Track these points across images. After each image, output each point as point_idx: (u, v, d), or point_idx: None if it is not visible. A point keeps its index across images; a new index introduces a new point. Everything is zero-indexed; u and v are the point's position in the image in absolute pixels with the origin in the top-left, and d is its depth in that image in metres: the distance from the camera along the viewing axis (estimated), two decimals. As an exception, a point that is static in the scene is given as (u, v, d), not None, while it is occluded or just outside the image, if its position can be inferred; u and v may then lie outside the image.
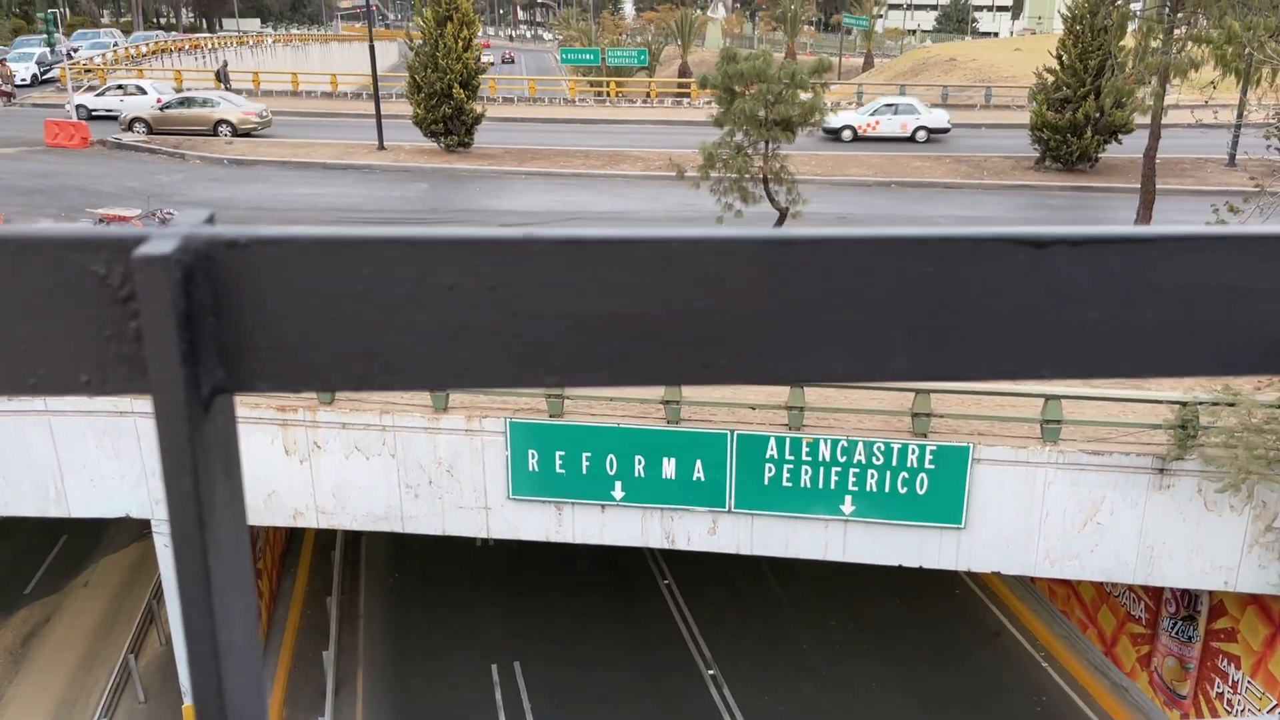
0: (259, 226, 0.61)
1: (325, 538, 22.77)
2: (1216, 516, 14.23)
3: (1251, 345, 0.63)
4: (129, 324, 0.59)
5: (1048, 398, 14.28)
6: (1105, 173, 30.29)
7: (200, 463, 0.58)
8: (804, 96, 20.68)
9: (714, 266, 0.60)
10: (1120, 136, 29.26)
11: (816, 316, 0.62)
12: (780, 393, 15.06)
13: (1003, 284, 0.62)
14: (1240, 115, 27.82)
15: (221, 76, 46.68)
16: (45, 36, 48.20)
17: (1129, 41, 21.19)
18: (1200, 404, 13.88)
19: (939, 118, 37.88)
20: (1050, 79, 30.18)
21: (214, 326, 0.59)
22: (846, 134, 37.38)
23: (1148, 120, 19.25)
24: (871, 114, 38.14)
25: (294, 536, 22.72)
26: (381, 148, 34.09)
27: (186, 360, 0.58)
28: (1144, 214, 19.76)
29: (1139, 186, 20.23)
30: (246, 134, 36.20)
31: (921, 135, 37.24)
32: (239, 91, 46.06)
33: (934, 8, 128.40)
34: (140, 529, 19.73)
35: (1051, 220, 25.66)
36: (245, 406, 14.87)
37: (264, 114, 37.52)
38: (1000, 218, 25.87)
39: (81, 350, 0.60)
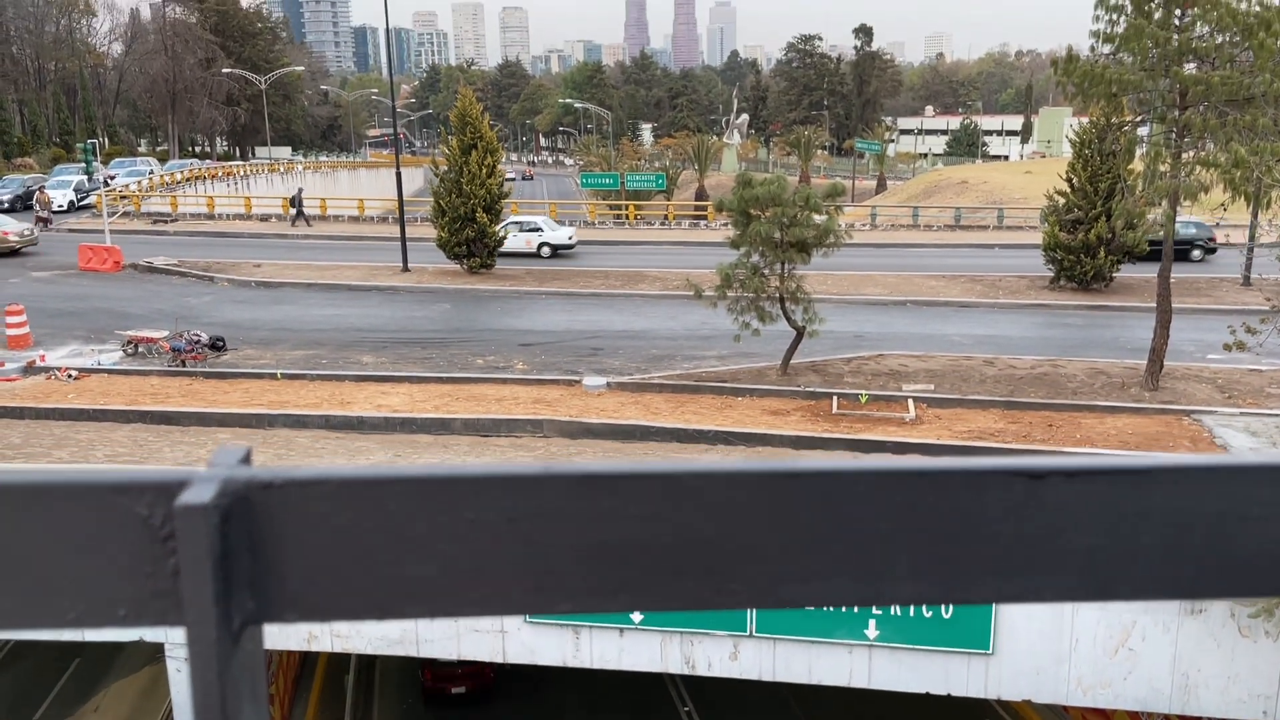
0: (293, 468, 0.64)
1: (339, 660, 22.37)
2: (1251, 643, 13.83)
3: (1249, 568, 0.64)
4: (167, 561, 0.62)
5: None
6: (1120, 291, 30.50)
7: (228, 690, 0.61)
8: (818, 219, 21.11)
9: (723, 497, 0.63)
10: (1133, 257, 29.57)
11: (823, 544, 0.64)
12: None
13: (1001, 513, 0.63)
14: (1252, 236, 28.12)
15: (296, 203, 48.27)
16: (84, 165, 49.95)
17: (1137, 165, 21.63)
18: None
19: None
20: (1061, 201, 30.69)
21: (248, 563, 0.62)
22: None
23: (1161, 239, 19.49)
24: None
25: (307, 658, 22.34)
26: (406, 269, 34.82)
27: (220, 597, 0.60)
28: (1161, 333, 19.80)
29: (1155, 305, 20.33)
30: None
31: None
32: (308, 218, 47.67)
33: (944, 132, 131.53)
34: (153, 653, 19.45)
35: (1069, 338, 25.74)
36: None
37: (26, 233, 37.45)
38: (1017, 336, 25.96)
39: (121, 586, 0.63)
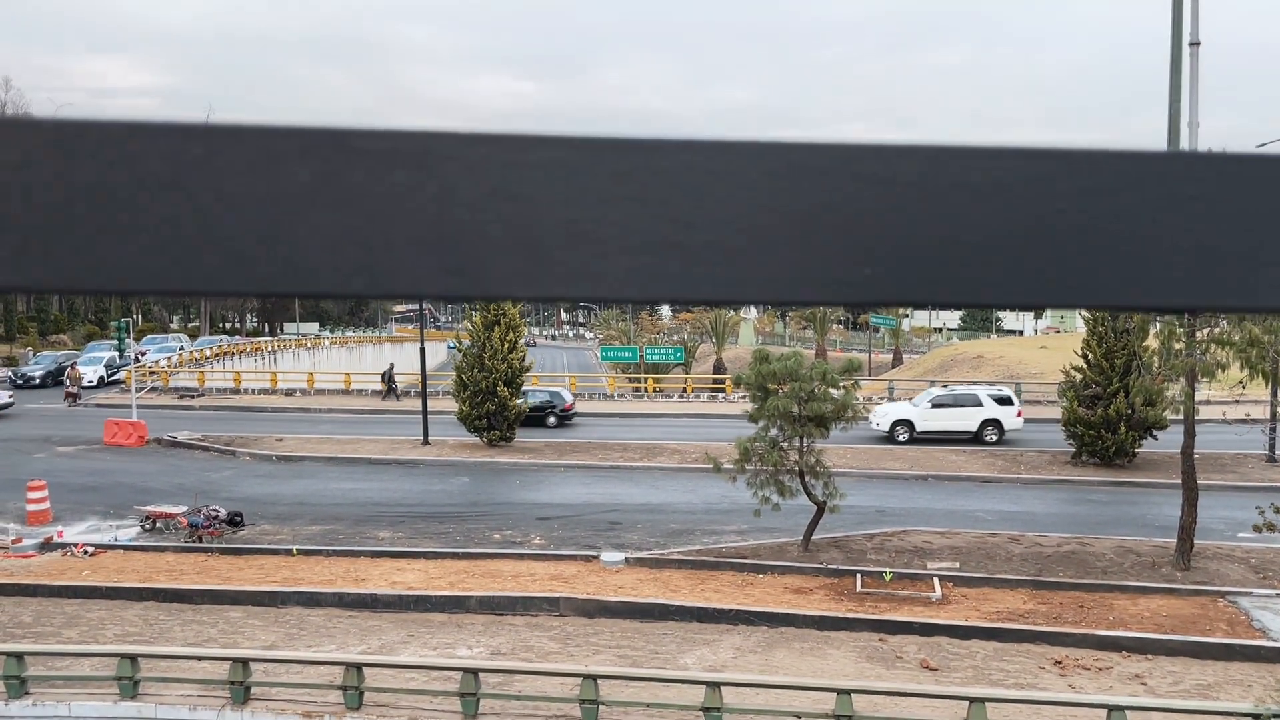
0: None
1: None
2: None
3: None
4: None
5: (1110, 708, 13.50)
6: (1144, 468, 30.16)
7: None
8: (836, 394, 21.25)
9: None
10: (1155, 432, 29.39)
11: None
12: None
13: None
14: (1273, 414, 27.99)
15: (387, 379, 49.54)
16: (116, 341, 51.22)
17: (1152, 342, 21.79)
18: (1273, 717, 13.01)
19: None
20: (1079, 376, 30.81)
21: None
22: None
23: (1181, 417, 19.42)
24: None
25: None
26: (426, 443, 34.99)
27: None
28: (1189, 511, 19.47)
29: (1180, 483, 20.08)
30: None
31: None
32: (398, 393, 48.59)
33: (957, 307, 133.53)
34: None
35: (1095, 515, 25.31)
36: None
37: None
38: (1041, 512, 25.57)
39: None
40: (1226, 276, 0.62)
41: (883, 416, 35.80)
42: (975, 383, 44.03)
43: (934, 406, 35.85)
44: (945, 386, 41.68)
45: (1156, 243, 0.62)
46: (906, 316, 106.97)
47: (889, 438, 35.36)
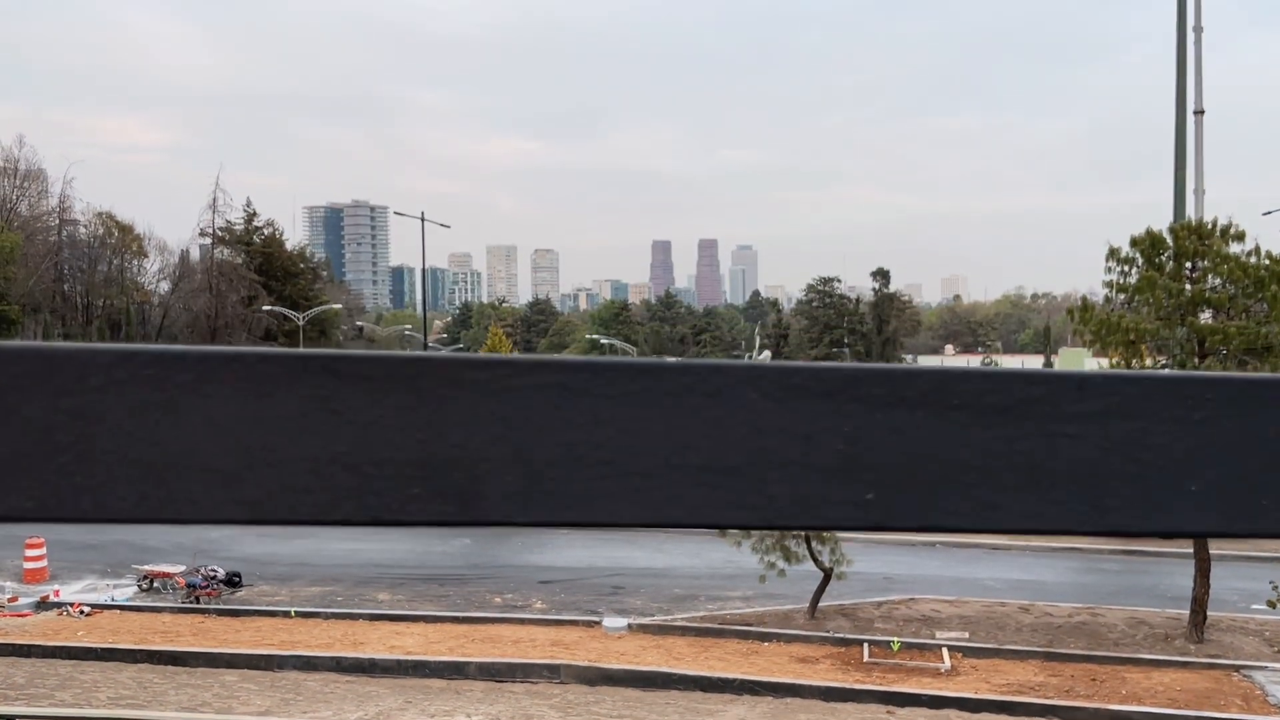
0: None
1: None
2: None
3: None
4: None
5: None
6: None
7: None
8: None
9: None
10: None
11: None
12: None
13: None
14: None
15: None
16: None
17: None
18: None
19: None
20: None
21: None
22: None
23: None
24: None
25: None
26: (427, 503, 34.80)
27: None
28: (1201, 582, 19.21)
29: (1192, 552, 19.83)
30: None
31: None
32: None
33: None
34: None
35: (1106, 585, 24.98)
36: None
37: None
38: (1051, 581, 25.23)
39: None
40: (1237, 502, 0.60)
41: None
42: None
43: None
44: None
45: (1168, 468, 0.60)
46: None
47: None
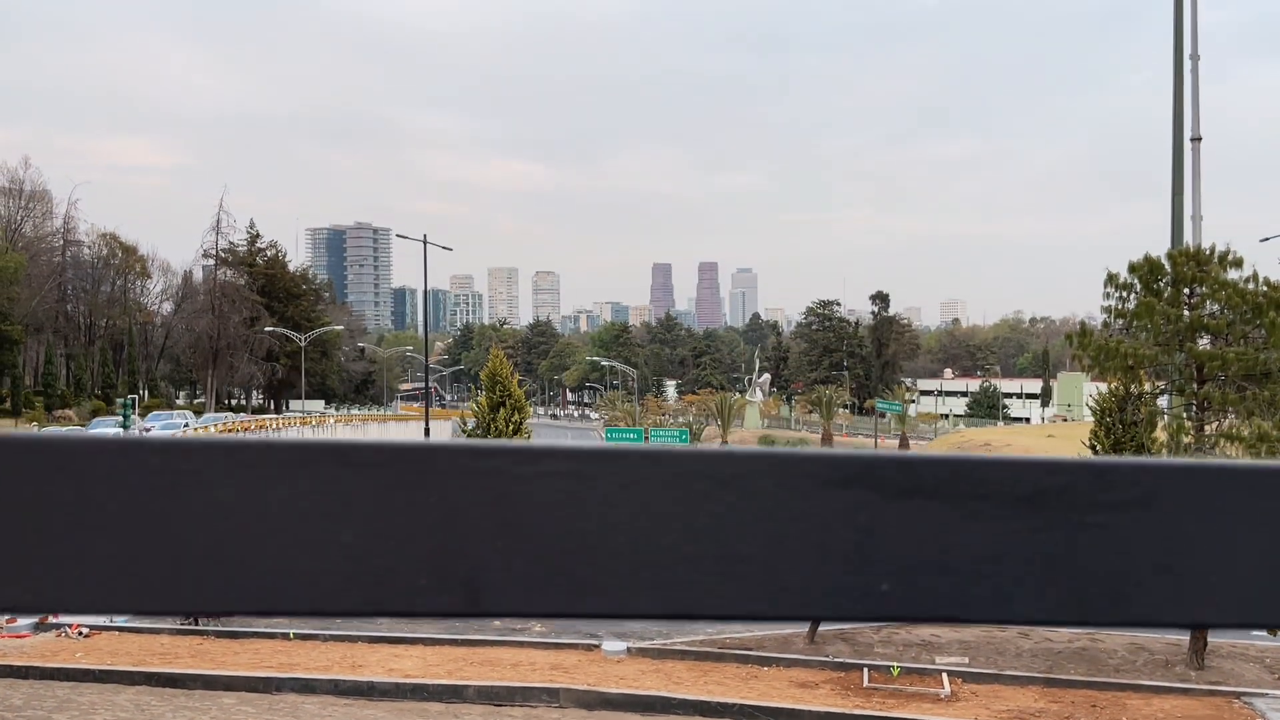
0: None
1: None
2: None
3: None
4: None
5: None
6: (1155, 559, 29.78)
7: None
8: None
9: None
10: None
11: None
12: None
13: None
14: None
15: None
16: (121, 417, 51.38)
17: (1160, 435, 21.74)
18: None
19: None
20: (1087, 466, 30.57)
21: None
22: None
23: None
24: None
25: None
26: (427, 525, 34.77)
27: None
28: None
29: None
30: None
31: None
32: None
33: (964, 394, 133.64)
34: None
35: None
36: None
37: None
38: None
39: None
40: (1267, 593, 0.60)
41: None
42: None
43: None
44: None
45: (1194, 559, 0.60)
46: (913, 402, 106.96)
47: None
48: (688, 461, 0.58)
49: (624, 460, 0.58)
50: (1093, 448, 30.82)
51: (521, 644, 21.15)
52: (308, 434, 68.40)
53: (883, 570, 0.59)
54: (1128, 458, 0.61)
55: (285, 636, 21.47)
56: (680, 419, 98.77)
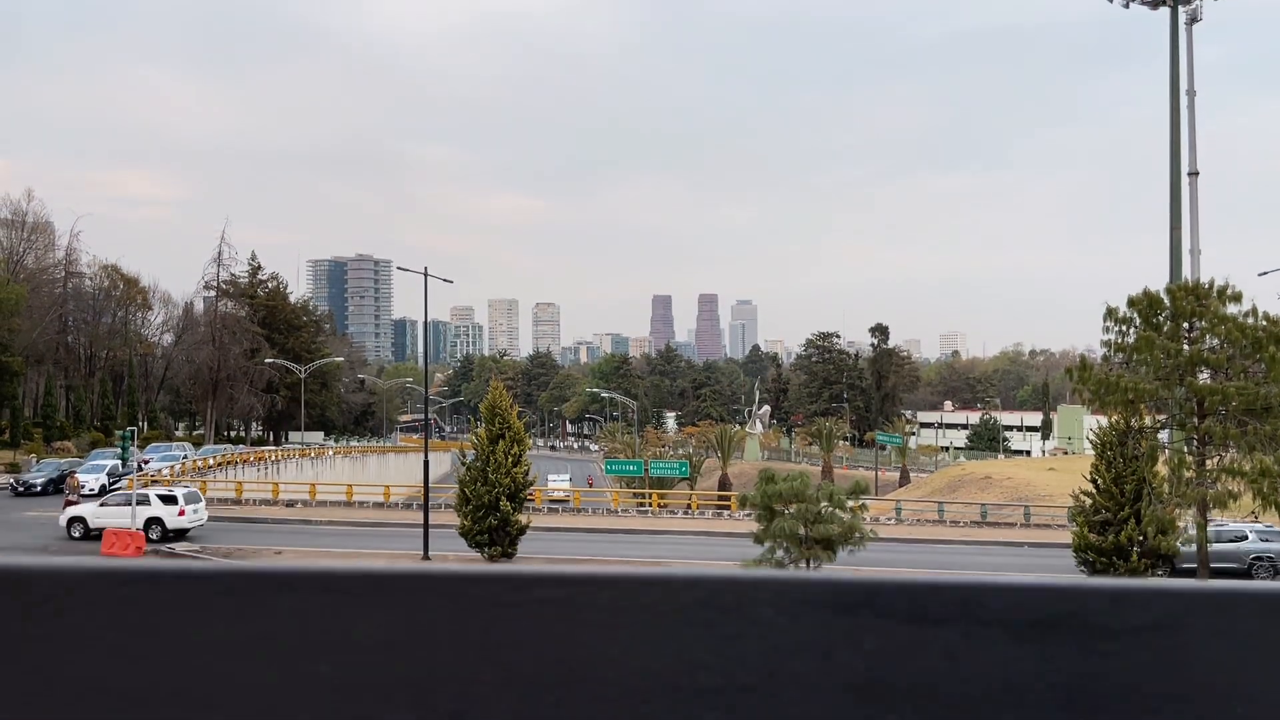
0: None
1: None
2: None
3: None
4: None
5: None
6: (1158, 594, 29.44)
7: None
8: (843, 515, 21.04)
9: None
10: (1173, 562, 28.92)
11: None
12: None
13: None
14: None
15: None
16: (120, 449, 51.19)
17: (1161, 469, 21.62)
18: None
19: None
20: (1088, 501, 30.48)
21: None
22: None
23: (1194, 549, 19.13)
24: None
25: None
26: (426, 557, 34.56)
27: None
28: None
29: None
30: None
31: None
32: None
33: (964, 427, 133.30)
34: None
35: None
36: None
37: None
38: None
39: None
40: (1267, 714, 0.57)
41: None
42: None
43: None
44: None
45: (1210, 684, 0.57)
46: (913, 435, 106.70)
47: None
48: (684, 587, 0.56)
49: (617, 587, 0.56)
50: (1094, 481, 30.65)
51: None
52: (306, 466, 68.14)
53: (890, 701, 0.56)
54: (1142, 581, 0.59)
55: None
56: (680, 451, 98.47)
